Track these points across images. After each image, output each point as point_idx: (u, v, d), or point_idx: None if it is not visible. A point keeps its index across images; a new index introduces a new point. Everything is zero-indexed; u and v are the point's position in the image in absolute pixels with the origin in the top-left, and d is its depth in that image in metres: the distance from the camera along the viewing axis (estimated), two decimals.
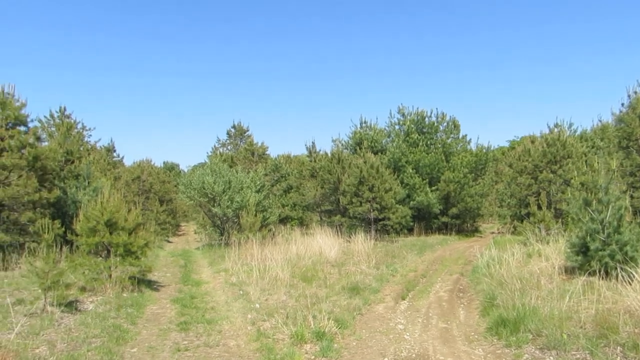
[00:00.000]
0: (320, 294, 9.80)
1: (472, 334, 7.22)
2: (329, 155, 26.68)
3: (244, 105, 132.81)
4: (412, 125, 28.98)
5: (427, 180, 27.19)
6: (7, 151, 14.56)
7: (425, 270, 14.21)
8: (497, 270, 10.62)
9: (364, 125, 31.02)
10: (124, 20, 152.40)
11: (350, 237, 18.08)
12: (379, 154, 27.26)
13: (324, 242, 16.06)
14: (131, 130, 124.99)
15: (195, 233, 30.24)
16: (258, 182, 21.73)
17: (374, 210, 22.16)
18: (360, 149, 26.92)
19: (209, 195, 20.61)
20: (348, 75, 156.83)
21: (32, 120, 15.75)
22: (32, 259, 8.76)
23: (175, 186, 38.35)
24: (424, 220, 27.24)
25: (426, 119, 29.14)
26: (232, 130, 38.22)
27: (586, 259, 9.38)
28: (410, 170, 26.78)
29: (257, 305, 8.85)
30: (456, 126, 29.43)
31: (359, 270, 12.67)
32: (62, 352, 6.20)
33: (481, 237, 27.73)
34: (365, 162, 22.65)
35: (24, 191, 14.47)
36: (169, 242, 28.96)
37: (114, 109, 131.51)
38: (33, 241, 14.36)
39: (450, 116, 29.46)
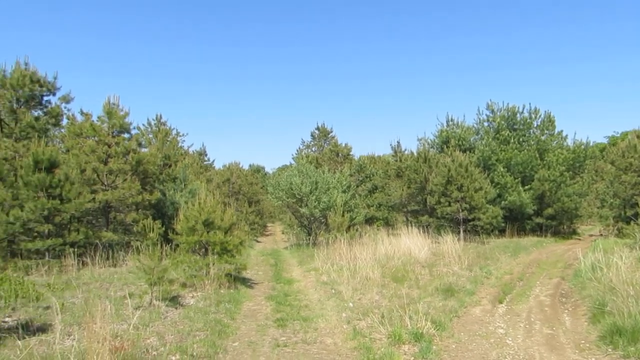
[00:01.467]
0: (413, 294, 9.64)
1: (582, 342, 6.75)
2: (415, 154, 26.26)
3: (327, 107, 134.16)
4: (503, 122, 27.77)
5: (520, 179, 25.94)
6: (114, 157, 15.71)
7: (522, 273, 13.55)
8: (604, 275, 9.88)
9: (450, 123, 30.18)
10: (208, 28, 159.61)
11: (438, 238, 17.66)
12: (467, 152, 26.38)
13: (412, 242, 15.81)
14: (220, 135, 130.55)
15: (282, 233, 30.94)
16: (344, 182, 21.82)
17: (463, 210, 21.50)
18: (448, 147, 26.24)
19: (297, 196, 20.98)
20: (432, 72, 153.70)
21: (134, 128, 16.89)
22: (138, 256, 9.33)
23: (262, 187, 39.54)
24: (517, 221, 26.00)
25: (518, 114, 27.82)
26: (316, 131, 38.65)
27: None
28: (501, 169, 25.67)
29: (351, 304, 8.87)
30: (551, 122, 27.81)
31: (450, 272, 12.33)
32: (171, 343, 6.55)
33: (579, 239, 26.02)
34: (453, 161, 22.05)
35: (129, 193, 15.54)
36: (257, 241, 29.88)
37: (204, 114, 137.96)
38: (137, 240, 15.39)
39: (545, 111, 27.93)
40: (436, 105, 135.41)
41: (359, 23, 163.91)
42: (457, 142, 27.77)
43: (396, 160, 30.16)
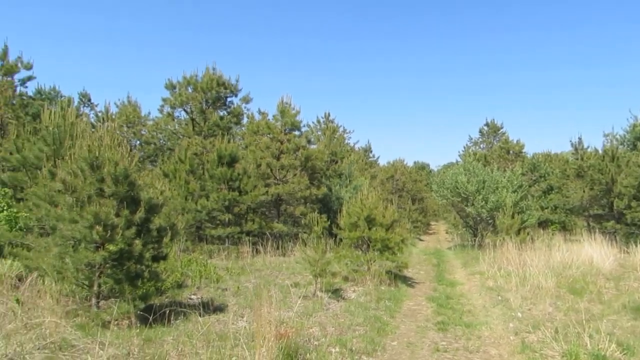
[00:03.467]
0: (593, 310, 8.59)
1: None
2: (600, 152, 23.39)
3: (498, 101, 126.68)
4: None
5: None
6: (285, 153, 16.82)
7: None
8: None
9: None
10: (373, 23, 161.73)
11: (628, 247, 15.50)
12: None
13: (594, 250, 14.12)
14: (385, 131, 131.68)
15: (446, 233, 30.13)
16: (515, 182, 20.39)
17: None
18: None
19: (462, 195, 20.20)
20: (620, 63, 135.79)
21: (304, 126, 17.90)
22: (304, 247, 9.81)
23: (426, 185, 38.92)
24: None
25: None
26: (485, 128, 36.77)
27: None
28: None
29: (519, 315, 8.22)
30: None
31: None
32: (331, 335, 6.75)
33: None
34: None
35: (298, 188, 16.52)
36: (420, 240, 29.50)
37: (371, 111, 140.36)
38: (304, 232, 16.29)
39: None
40: (625, 97, 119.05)
41: (530, 11, 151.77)
42: None
43: (576, 159, 27.24)
